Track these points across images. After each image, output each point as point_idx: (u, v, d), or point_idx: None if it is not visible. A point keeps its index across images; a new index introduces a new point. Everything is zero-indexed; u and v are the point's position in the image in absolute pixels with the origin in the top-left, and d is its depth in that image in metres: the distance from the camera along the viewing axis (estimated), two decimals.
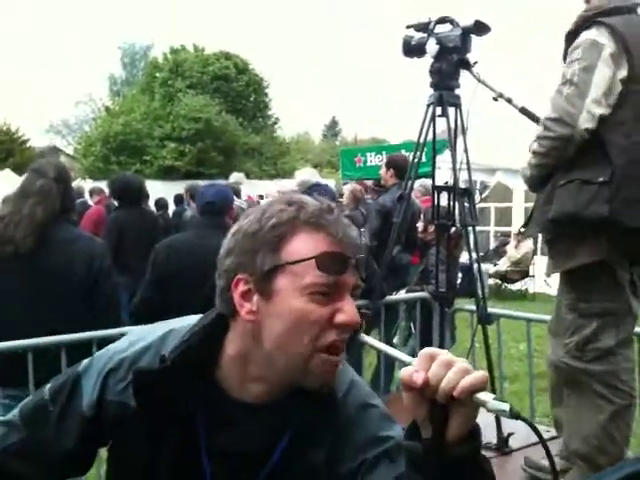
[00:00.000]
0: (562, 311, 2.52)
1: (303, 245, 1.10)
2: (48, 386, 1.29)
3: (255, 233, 1.11)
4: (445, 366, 0.94)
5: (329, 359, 1.09)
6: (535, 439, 2.83)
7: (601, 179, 2.30)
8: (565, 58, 2.54)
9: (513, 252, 10.97)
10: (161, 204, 10.98)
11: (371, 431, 1.17)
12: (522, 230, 2.76)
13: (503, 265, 11.22)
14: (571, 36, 2.51)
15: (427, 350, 0.97)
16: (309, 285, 1.08)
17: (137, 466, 1.19)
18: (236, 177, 9.56)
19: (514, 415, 0.90)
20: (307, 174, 6.32)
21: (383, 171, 5.59)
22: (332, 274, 1.08)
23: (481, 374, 0.94)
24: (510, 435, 2.99)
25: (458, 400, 0.93)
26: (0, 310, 2.90)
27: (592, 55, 2.35)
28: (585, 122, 2.32)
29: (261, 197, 10.37)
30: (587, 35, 2.41)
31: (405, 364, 0.98)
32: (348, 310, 1.09)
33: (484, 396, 0.91)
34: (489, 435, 3.03)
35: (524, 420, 0.92)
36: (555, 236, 2.47)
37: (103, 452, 1.38)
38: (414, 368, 0.95)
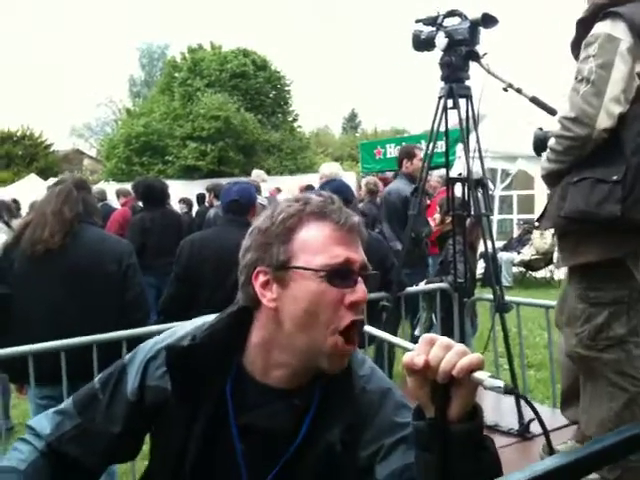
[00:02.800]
0: (572, 301, 2.50)
1: (311, 232, 1.22)
2: (98, 377, 1.42)
3: (268, 229, 1.24)
4: (444, 348, 1.01)
5: (344, 347, 1.20)
6: (556, 424, 2.86)
7: (615, 178, 2.25)
8: (575, 46, 2.48)
9: (539, 242, 10.90)
10: (185, 202, 11.24)
11: (391, 417, 1.25)
12: (536, 224, 2.74)
13: (528, 254, 11.18)
14: (584, 24, 2.42)
15: (427, 336, 1.05)
16: (320, 267, 1.19)
17: (172, 447, 1.29)
18: (257, 174, 9.59)
19: (508, 391, 0.96)
20: (331, 168, 6.39)
21: None
22: (339, 254, 1.19)
23: (477, 355, 1.01)
24: (531, 421, 3.02)
25: (457, 380, 1.00)
26: (33, 305, 3.03)
27: (608, 51, 2.26)
28: (603, 122, 2.26)
29: (279, 190, 10.41)
30: (602, 28, 2.31)
31: (408, 350, 1.04)
32: (357, 289, 1.21)
33: (481, 375, 0.98)
34: (511, 421, 3.07)
35: (518, 395, 0.99)
36: (563, 232, 2.46)
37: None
38: (415, 352, 1.02)
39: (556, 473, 0.80)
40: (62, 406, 1.41)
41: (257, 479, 1.25)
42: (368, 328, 1.19)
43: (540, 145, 2.62)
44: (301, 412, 1.25)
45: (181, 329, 1.38)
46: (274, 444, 1.24)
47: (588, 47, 2.33)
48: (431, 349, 1.01)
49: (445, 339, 1.03)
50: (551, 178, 2.51)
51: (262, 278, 1.24)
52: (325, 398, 1.25)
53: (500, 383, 0.96)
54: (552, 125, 2.49)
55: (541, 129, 2.66)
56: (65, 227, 3.05)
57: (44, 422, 1.39)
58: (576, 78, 2.36)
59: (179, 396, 1.28)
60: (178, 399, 1.28)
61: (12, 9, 74.07)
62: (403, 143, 14.99)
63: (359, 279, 1.22)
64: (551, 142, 2.44)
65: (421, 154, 5.76)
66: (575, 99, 2.32)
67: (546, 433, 1.00)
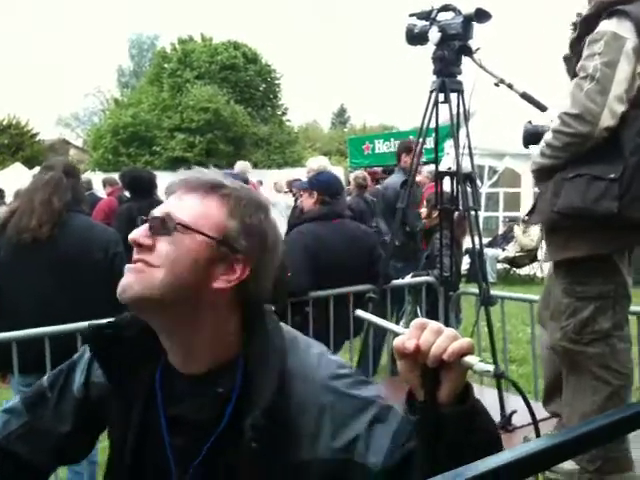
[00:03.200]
0: (557, 295, 2.52)
1: None
2: (47, 375, 1.40)
3: None
4: (435, 333, 1.02)
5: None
6: (538, 417, 2.90)
7: (612, 175, 2.26)
8: (576, 43, 2.48)
9: (523, 239, 10.98)
10: None
11: (350, 400, 1.19)
12: (525, 218, 2.74)
13: (512, 251, 11.26)
14: (587, 22, 2.41)
15: (418, 320, 1.05)
16: None
17: (117, 440, 1.28)
18: (241, 166, 9.29)
19: (498, 374, 0.97)
20: (319, 161, 6.40)
21: None
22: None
23: (467, 340, 1.02)
24: (513, 413, 3.05)
25: (447, 364, 1.00)
26: (22, 296, 2.99)
27: (614, 49, 2.26)
28: (606, 120, 2.26)
29: (260, 183, 10.29)
30: (607, 26, 2.30)
31: (398, 335, 1.05)
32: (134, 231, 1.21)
33: (471, 359, 0.99)
34: (493, 413, 3.09)
35: (506, 379, 1.01)
36: (553, 227, 2.46)
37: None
38: (406, 336, 1.03)
39: (544, 453, 0.81)
40: (10, 404, 1.39)
41: (186, 470, 1.22)
42: (358, 312, 1.19)
43: (529, 138, 2.63)
44: (224, 399, 1.21)
45: None
46: (201, 434, 1.21)
47: (593, 44, 2.32)
48: (422, 333, 1.02)
49: (436, 324, 1.03)
50: (542, 173, 2.52)
51: None
52: (248, 384, 1.20)
53: (489, 367, 0.97)
54: (542, 119, 2.49)
55: (530, 122, 2.67)
56: (54, 218, 3.01)
57: None
58: (579, 75, 2.35)
59: (113, 387, 1.26)
60: (113, 390, 1.26)
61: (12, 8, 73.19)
62: (392, 139, 15.11)
63: (145, 224, 1.20)
64: (548, 137, 2.43)
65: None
66: (579, 96, 2.31)
67: (533, 415, 1.02)
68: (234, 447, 1.16)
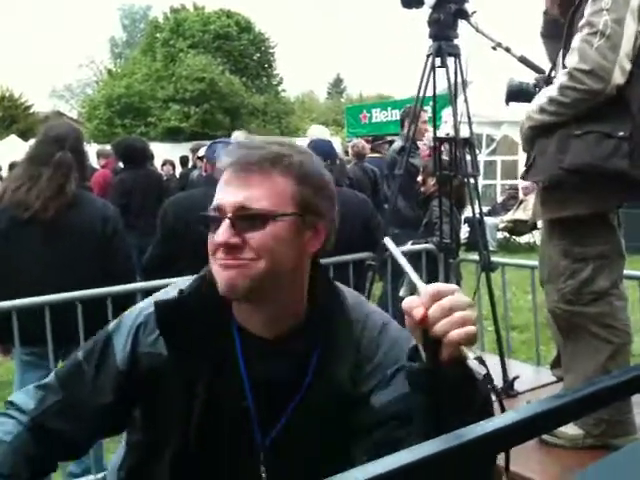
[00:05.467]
0: (554, 257, 2.51)
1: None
2: (81, 348, 1.37)
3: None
4: (444, 311, 0.98)
5: (216, 261, 1.19)
6: (541, 382, 2.90)
7: (621, 134, 2.23)
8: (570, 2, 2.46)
9: (522, 214, 10.96)
10: (171, 164, 11.26)
11: (390, 348, 1.27)
12: (524, 176, 2.67)
13: (511, 219, 11.24)
14: None
15: (435, 289, 1.00)
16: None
17: (176, 410, 1.26)
18: (237, 135, 8.98)
19: (484, 381, 1.02)
20: (317, 131, 6.33)
21: None
22: (217, 198, 1.20)
23: (472, 330, 0.98)
24: (515, 379, 3.07)
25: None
26: (21, 270, 2.97)
27: (621, 6, 2.23)
28: (617, 78, 2.22)
29: None
30: None
31: (414, 285, 1.02)
32: (218, 233, 1.17)
33: (467, 351, 0.97)
34: (495, 379, 3.11)
35: (492, 388, 1.04)
36: (556, 184, 2.40)
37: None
38: (416, 303, 1.00)
39: (548, 414, 0.79)
40: (44, 381, 1.37)
41: (268, 431, 1.25)
42: (387, 239, 1.16)
43: (512, 95, 2.61)
44: (305, 357, 1.24)
45: (171, 290, 1.33)
46: (281, 394, 1.24)
47: (599, 0, 2.27)
48: (432, 305, 0.99)
49: (450, 300, 0.99)
50: (537, 131, 2.46)
51: None
52: (326, 342, 1.25)
53: (481, 371, 0.99)
54: (527, 77, 2.46)
55: (513, 79, 2.63)
56: (62, 203, 2.96)
57: (26, 397, 1.34)
58: (582, 31, 2.30)
59: (176, 356, 1.24)
60: (175, 359, 1.24)
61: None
62: (389, 108, 15.00)
63: (225, 222, 1.16)
64: (552, 93, 2.36)
65: (425, 116, 5.43)
66: (589, 51, 2.25)
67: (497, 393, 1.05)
68: (319, 401, 1.22)
